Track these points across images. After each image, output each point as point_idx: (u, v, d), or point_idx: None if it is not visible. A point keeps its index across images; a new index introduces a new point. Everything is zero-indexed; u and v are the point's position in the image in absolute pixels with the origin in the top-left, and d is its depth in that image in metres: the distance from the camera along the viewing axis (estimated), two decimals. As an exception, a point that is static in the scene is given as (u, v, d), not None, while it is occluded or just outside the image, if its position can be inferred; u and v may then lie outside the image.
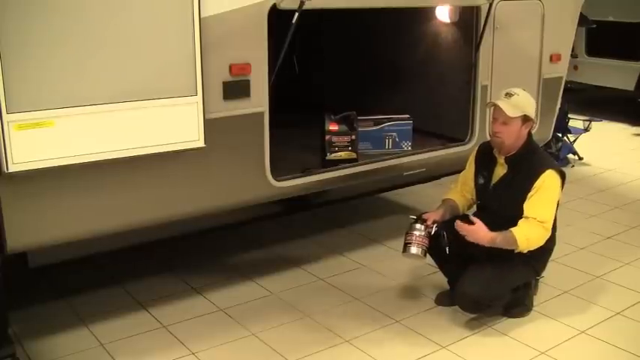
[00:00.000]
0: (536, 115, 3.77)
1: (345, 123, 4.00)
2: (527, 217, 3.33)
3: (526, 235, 3.30)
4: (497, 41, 4.22)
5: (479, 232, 3.33)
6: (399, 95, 4.86)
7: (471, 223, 3.36)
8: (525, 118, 3.40)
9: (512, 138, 3.40)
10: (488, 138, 3.81)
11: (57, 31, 2.62)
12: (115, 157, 2.85)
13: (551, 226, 3.38)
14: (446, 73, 4.57)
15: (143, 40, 2.83)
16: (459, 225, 3.34)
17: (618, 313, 3.63)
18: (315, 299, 3.77)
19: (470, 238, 3.34)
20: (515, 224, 3.33)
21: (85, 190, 2.90)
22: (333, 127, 3.95)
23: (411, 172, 4.22)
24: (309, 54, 5.49)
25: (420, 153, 4.21)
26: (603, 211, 5.24)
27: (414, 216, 3.57)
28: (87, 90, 2.72)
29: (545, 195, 3.35)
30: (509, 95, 3.39)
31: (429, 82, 4.70)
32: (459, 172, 3.82)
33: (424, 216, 3.56)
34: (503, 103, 3.37)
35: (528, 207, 3.34)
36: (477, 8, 4.13)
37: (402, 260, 3.67)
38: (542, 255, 3.50)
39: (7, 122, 2.57)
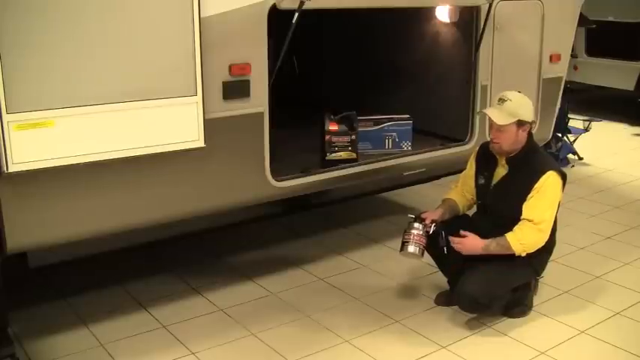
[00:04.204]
0: (536, 115, 3.77)
1: (345, 123, 4.00)
2: (522, 220, 3.34)
3: (520, 240, 3.31)
4: (497, 41, 4.22)
5: (471, 243, 3.36)
6: (399, 95, 4.86)
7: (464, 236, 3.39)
8: (520, 123, 3.38)
9: (508, 142, 3.40)
10: (489, 138, 3.81)
11: (57, 31, 2.62)
12: (114, 157, 2.85)
13: (548, 228, 3.38)
14: (446, 73, 4.56)
15: (143, 40, 2.82)
16: (452, 240, 3.38)
17: (618, 313, 3.63)
18: (315, 299, 3.77)
19: (464, 251, 3.36)
20: (515, 225, 3.34)
21: (85, 190, 2.90)
22: (333, 127, 3.95)
23: (411, 172, 4.22)
24: (309, 54, 5.49)
25: (420, 153, 4.21)
26: (603, 211, 5.24)
27: (412, 215, 3.57)
28: (87, 90, 2.72)
29: (544, 196, 3.35)
30: (501, 101, 3.37)
31: (429, 82, 4.70)
32: (459, 172, 3.82)
33: (423, 215, 3.56)
34: (494, 112, 3.37)
35: (527, 208, 3.35)
36: (477, 8, 4.13)
37: (401, 260, 3.67)
38: (542, 255, 3.50)
39: (7, 122, 2.57)
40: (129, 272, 4.02)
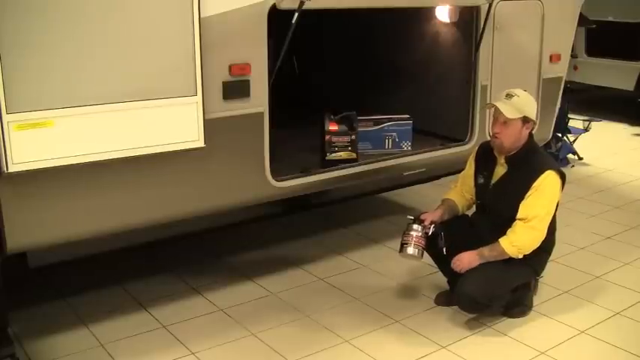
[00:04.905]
0: (537, 115, 3.77)
1: (345, 123, 4.01)
2: (515, 222, 3.34)
3: (512, 243, 3.32)
4: (497, 41, 4.22)
5: (467, 258, 3.36)
6: (399, 95, 4.86)
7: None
8: (525, 119, 3.39)
9: (511, 139, 3.40)
10: (489, 138, 3.81)
11: (57, 31, 2.62)
12: (114, 157, 2.85)
13: (540, 225, 3.37)
14: (446, 73, 4.56)
15: (143, 40, 2.82)
16: (452, 263, 3.40)
17: (618, 313, 3.63)
18: (315, 299, 3.77)
19: (464, 268, 3.37)
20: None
21: (85, 190, 2.90)
22: (333, 127, 3.95)
23: (411, 172, 4.22)
24: (309, 54, 5.49)
25: (420, 153, 4.21)
26: (603, 211, 5.24)
27: (411, 216, 3.57)
28: (86, 90, 2.72)
29: (542, 195, 3.35)
30: (509, 96, 3.39)
31: (429, 82, 4.70)
32: (459, 172, 3.82)
33: (422, 216, 3.56)
34: (502, 105, 3.37)
35: (523, 207, 3.35)
36: (477, 8, 4.13)
37: (401, 260, 3.66)
38: (541, 255, 3.50)
39: (7, 122, 2.57)
40: (129, 272, 4.02)
